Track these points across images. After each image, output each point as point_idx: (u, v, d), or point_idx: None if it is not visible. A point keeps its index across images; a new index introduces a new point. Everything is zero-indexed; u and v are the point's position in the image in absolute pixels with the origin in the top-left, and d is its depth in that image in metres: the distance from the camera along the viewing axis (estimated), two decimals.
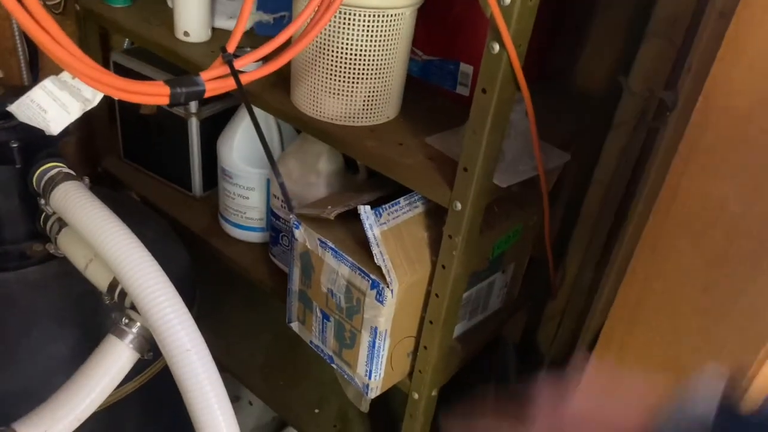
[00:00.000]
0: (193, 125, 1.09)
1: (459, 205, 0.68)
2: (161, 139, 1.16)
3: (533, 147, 0.73)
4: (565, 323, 1.05)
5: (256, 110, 1.01)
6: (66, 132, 0.74)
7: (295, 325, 0.92)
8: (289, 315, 0.92)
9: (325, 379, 1.15)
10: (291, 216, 0.84)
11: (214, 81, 0.51)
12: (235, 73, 0.51)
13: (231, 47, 0.52)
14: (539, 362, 1.13)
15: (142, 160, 1.23)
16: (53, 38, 0.41)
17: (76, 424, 0.63)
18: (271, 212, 1.00)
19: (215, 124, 1.08)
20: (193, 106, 1.08)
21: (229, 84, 0.52)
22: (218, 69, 0.52)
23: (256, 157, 1.01)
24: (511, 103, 0.64)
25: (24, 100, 0.50)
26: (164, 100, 0.49)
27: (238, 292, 1.30)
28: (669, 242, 0.48)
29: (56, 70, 1.20)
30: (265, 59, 0.55)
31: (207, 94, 0.51)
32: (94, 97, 0.49)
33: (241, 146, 1.01)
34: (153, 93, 0.48)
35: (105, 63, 1.18)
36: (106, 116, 1.22)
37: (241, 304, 1.30)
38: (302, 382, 1.17)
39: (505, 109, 0.63)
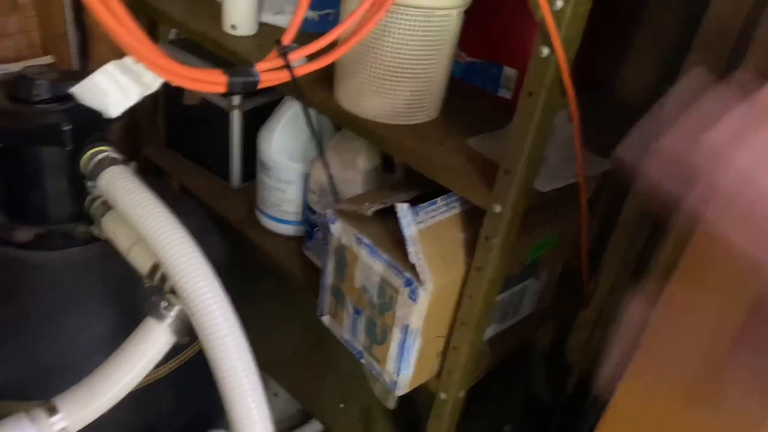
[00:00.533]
0: (235, 117, 1.11)
1: (498, 208, 0.68)
2: (203, 130, 1.18)
3: (575, 153, 0.73)
4: (597, 334, 1.04)
5: (298, 105, 1.02)
6: (118, 117, 0.76)
7: (326, 319, 0.93)
8: (320, 309, 0.93)
9: (352, 375, 1.16)
10: (327, 211, 0.85)
11: (268, 72, 0.52)
12: (289, 66, 0.52)
13: (287, 40, 0.53)
14: (567, 372, 1.12)
15: (183, 150, 1.25)
16: (121, 23, 0.42)
17: (113, 403, 0.65)
18: (307, 207, 1.01)
19: (257, 117, 1.09)
20: (236, 98, 1.10)
21: (283, 76, 0.53)
22: (273, 61, 0.53)
23: (296, 152, 1.02)
24: (556, 108, 0.64)
25: (86, 82, 0.52)
26: (221, 89, 0.50)
27: (268, 284, 1.32)
28: (716, 256, 0.47)
29: (104, 57, 1.22)
30: (317, 54, 0.56)
31: (261, 86, 0.52)
32: (153, 83, 0.50)
33: (281, 140, 1.02)
34: (211, 81, 0.49)
35: None
36: (150, 105, 1.25)
37: (270, 296, 1.32)
38: (328, 376, 1.18)
39: (550, 113, 0.63)
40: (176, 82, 0.49)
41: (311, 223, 1.01)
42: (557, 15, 0.57)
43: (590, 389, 1.01)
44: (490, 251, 0.71)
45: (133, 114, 1.27)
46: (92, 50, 1.19)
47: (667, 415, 0.60)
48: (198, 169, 1.24)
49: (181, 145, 1.25)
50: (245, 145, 1.14)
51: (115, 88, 0.50)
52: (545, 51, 0.59)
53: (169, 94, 1.21)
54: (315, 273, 1.00)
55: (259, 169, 1.07)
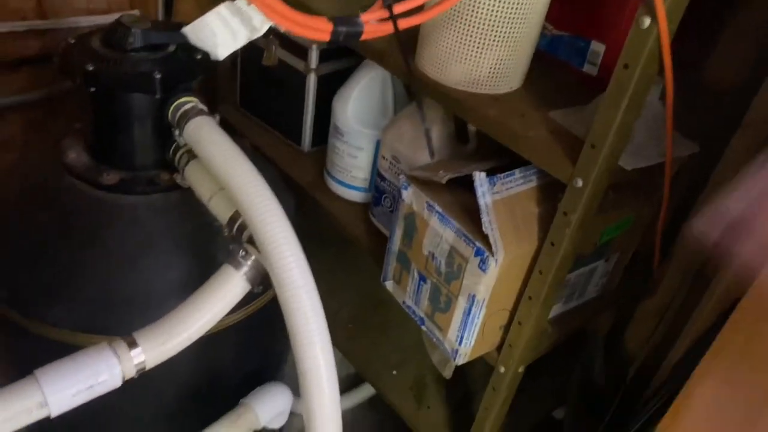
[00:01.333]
0: (311, 80, 1.12)
1: (580, 182, 0.66)
2: (278, 92, 1.20)
3: (662, 132, 0.71)
4: (662, 326, 1.01)
5: (377, 69, 1.02)
6: (206, 69, 0.77)
7: (389, 284, 0.94)
8: (384, 274, 0.94)
9: (406, 344, 1.17)
10: (401, 176, 0.85)
11: (370, 24, 0.53)
12: (394, 18, 0.52)
13: None
14: (626, 362, 1.10)
15: (257, 111, 1.27)
16: None
17: (188, 343, 0.67)
18: (377, 173, 1.01)
19: (332, 82, 1.10)
20: (313, 61, 1.11)
21: (386, 28, 0.53)
22: (377, 12, 0.53)
23: (370, 118, 1.02)
24: (651, 83, 0.62)
25: (198, 22, 0.53)
26: (325, 36, 0.50)
27: (330, 249, 1.33)
28: None
29: (187, 15, 1.24)
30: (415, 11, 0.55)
31: (363, 37, 0.53)
32: (261, 26, 0.51)
33: (356, 105, 1.03)
34: (317, 27, 0.49)
35: None
36: (228, 63, 1.27)
37: (332, 261, 1.34)
38: (383, 344, 1.19)
39: (644, 87, 0.61)
40: (284, 25, 0.49)
41: (380, 190, 1.02)
42: None
43: (650, 381, 0.99)
44: (566, 227, 0.70)
45: (212, 71, 1.30)
46: (176, 7, 1.21)
47: (736, 419, 0.58)
48: (270, 130, 1.26)
49: (255, 106, 1.27)
50: (319, 109, 1.15)
51: (224, 30, 0.51)
52: (647, 21, 0.57)
53: (247, 54, 1.23)
54: (379, 239, 1.01)
55: (332, 134, 1.07)
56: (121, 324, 0.72)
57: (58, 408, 0.59)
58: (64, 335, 0.76)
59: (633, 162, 0.69)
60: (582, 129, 0.71)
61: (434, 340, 0.87)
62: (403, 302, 0.92)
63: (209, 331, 0.69)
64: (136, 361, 0.64)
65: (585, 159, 0.66)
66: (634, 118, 0.64)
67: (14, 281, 0.79)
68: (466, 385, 1.11)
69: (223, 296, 0.68)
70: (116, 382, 0.63)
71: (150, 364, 0.65)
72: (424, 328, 0.88)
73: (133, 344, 0.64)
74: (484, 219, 0.73)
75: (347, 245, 1.18)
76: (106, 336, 0.68)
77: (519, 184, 0.76)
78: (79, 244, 0.78)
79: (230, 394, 0.93)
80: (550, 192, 0.76)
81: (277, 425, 1.00)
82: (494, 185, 0.74)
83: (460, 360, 0.83)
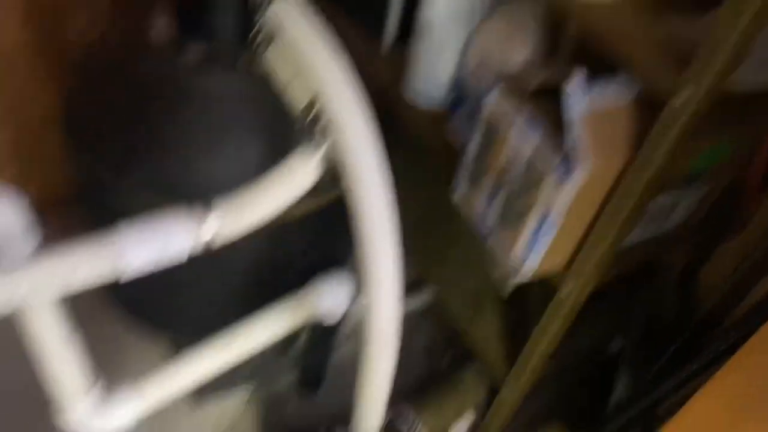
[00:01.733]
0: None
1: (681, 100, 0.61)
2: None
3: None
4: (743, 267, 0.96)
5: None
6: None
7: (459, 195, 0.92)
8: (456, 184, 0.92)
9: (469, 258, 1.16)
10: (485, 82, 0.82)
11: None
12: None
13: None
14: (696, 301, 1.06)
15: None
16: None
17: (260, 221, 0.68)
18: (460, 78, 0.97)
19: None
20: None
21: None
22: None
23: (461, 14, 0.96)
24: None
25: None
26: None
27: (398, 154, 1.31)
28: None
29: None
30: None
31: None
32: None
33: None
34: None
35: None
36: None
37: (400, 168, 1.32)
38: (446, 255, 1.19)
39: None
40: None
41: (461, 97, 0.98)
42: None
43: (721, 323, 0.95)
44: (658, 148, 0.65)
45: None
46: None
47: None
48: (350, 21, 1.20)
49: None
50: (406, 2, 1.09)
51: None
52: None
53: None
54: (454, 150, 0.98)
55: (418, 30, 1.02)
56: (197, 196, 0.73)
57: (134, 265, 0.61)
58: (142, 200, 0.79)
59: (747, 82, 0.62)
60: (696, 40, 0.65)
61: (498, 255, 0.85)
62: (472, 215, 0.90)
63: (280, 216, 0.70)
64: (210, 231, 0.65)
65: (693, 73, 0.60)
66: (758, 32, 0.58)
67: (101, 145, 0.81)
68: (525, 304, 1.10)
69: (293, 180, 0.68)
70: (190, 250, 0.65)
71: (222, 234, 0.67)
72: (489, 242, 0.87)
73: (208, 214, 0.66)
74: (571, 132, 0.69)
75: (417, 152, 1.16)
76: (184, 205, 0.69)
77: (613, 98, 0.71)
78: (161, 116, 0.79)
79: (294, 282, 0.96)
80: (646, 110, 0.71)
81: (335, 317, 1.02)
82: (586, 97, 0.70)
83: (522, 278, 0.82)
